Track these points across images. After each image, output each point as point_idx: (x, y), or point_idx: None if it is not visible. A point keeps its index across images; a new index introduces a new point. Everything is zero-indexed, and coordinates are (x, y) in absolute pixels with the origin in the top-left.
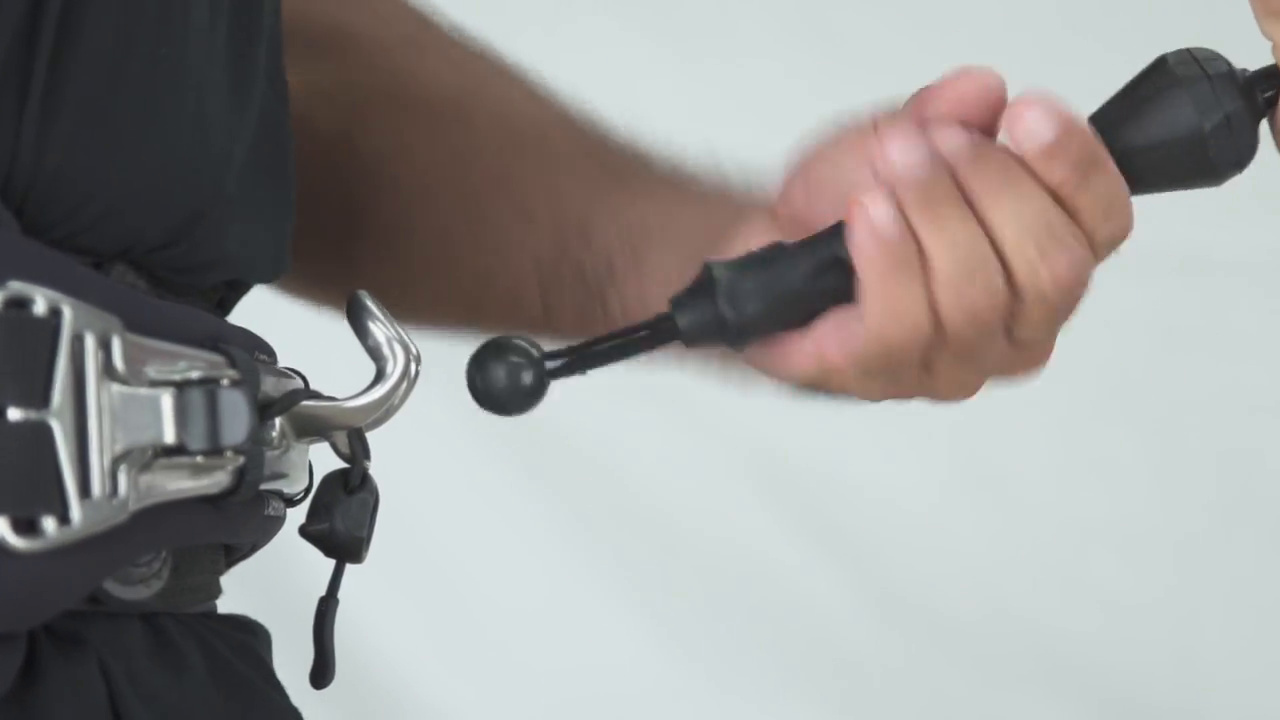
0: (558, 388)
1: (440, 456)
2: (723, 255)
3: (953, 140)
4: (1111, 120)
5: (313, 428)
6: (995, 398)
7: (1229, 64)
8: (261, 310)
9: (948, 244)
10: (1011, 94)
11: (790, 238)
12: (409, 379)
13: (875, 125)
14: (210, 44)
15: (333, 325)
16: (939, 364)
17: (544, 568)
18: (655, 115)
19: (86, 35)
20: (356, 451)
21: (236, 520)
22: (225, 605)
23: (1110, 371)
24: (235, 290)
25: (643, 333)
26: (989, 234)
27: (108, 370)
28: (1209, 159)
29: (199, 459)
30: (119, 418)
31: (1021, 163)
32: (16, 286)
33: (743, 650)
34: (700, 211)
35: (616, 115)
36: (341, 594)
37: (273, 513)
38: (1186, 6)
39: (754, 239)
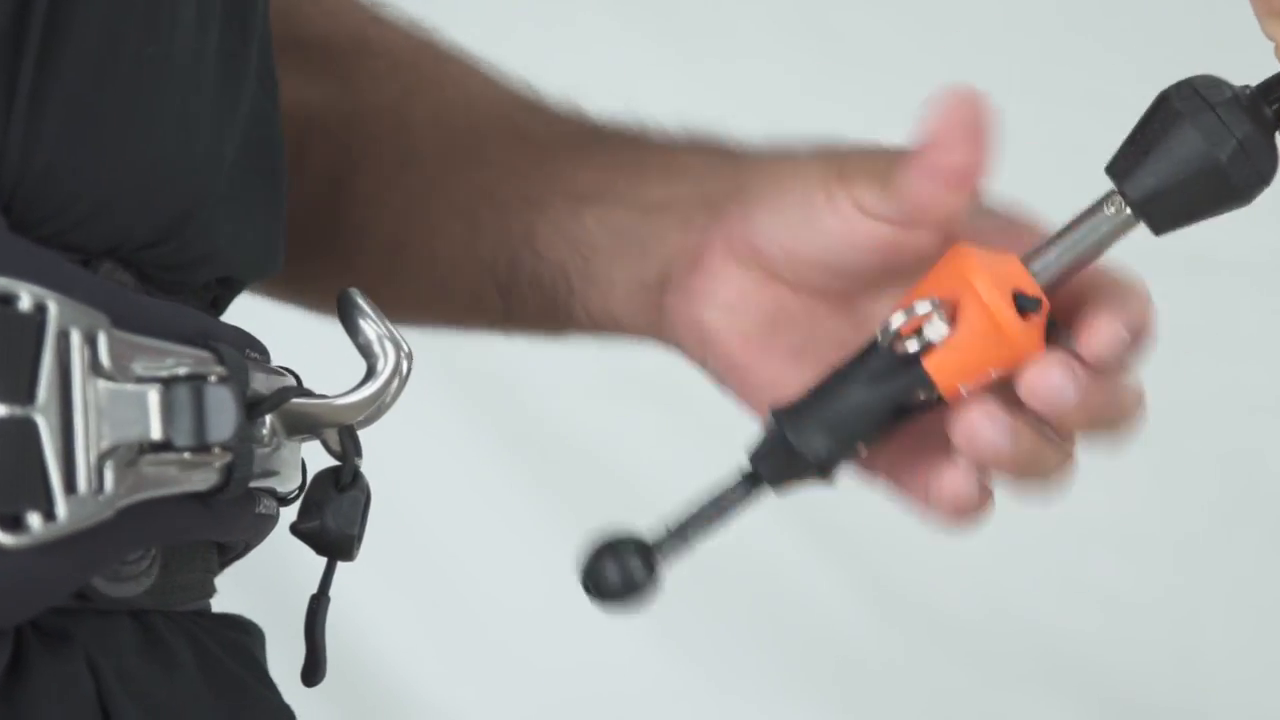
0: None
1: (440, 456)
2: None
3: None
4: (1127, 169)
5: (304, 425)
6: None
7: (1231, 88)
8: (255, 308)
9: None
10: (1012, 94)
11: (748, 269)
12: (400, 376)
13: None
14: (201, 43)
15: (324, 323)
16: None
17: (544, 567)
18: (655, 115)
19: (74, 33)
20: (348, 449)
21: (226, 518)
22: (222, 604)
23: None
24: (229, 288)
25: (734, 494)
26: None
27: (94, 366)
28: (1232, 186)
29: (186, 456)
30: (105, 414)
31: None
32: (1, 282)
33: (743, 649)
34: (638, 202)
35: (616, 117)
36: (342, 593)
37: (264, 511)
38: (1187, 6)
39: (714, 262)
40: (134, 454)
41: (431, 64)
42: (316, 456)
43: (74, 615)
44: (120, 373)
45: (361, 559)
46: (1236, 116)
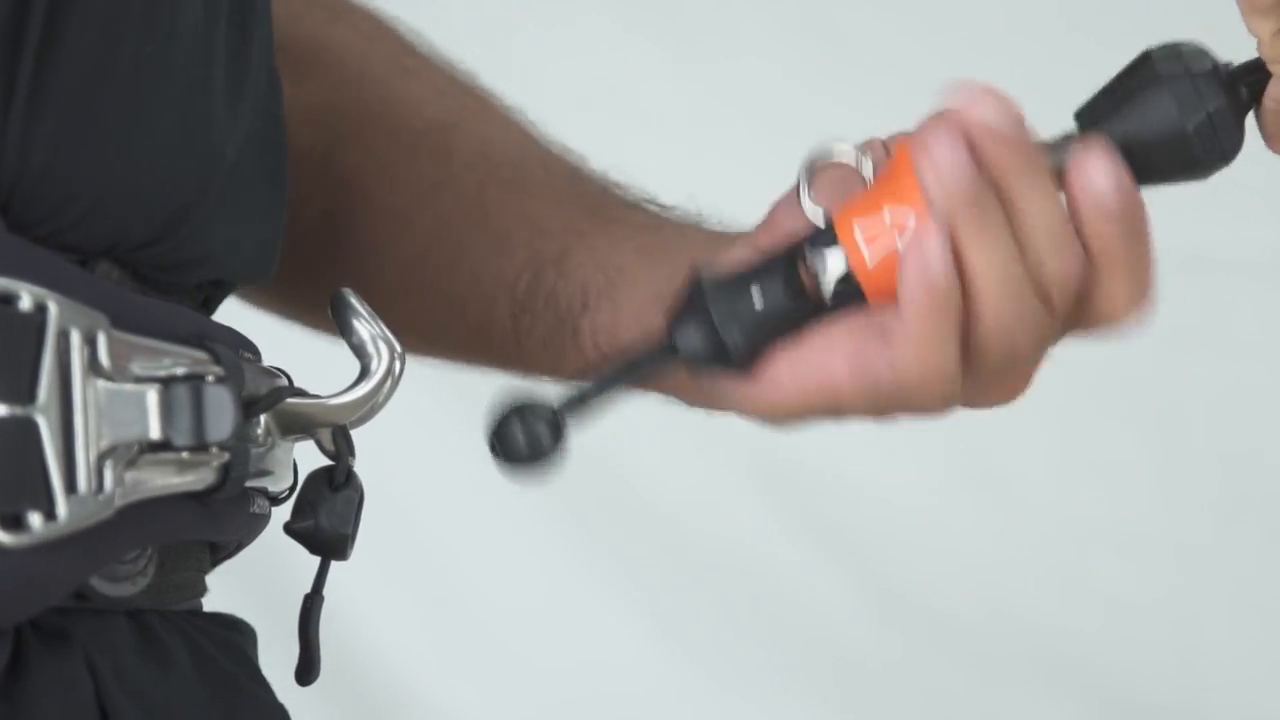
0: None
1: (440, 455)
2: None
3: (995, 142)
4: (1097, 115)
5: (298, 425)
6: None
7: (1214, 60)
8: (246, 309)
9: (997, 267)
10: (1012, 94)
11: None
12: (393, 376)
13: (897, 140)
14: (205, 43)
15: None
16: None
17: (544, 566)
18: (655, 115)
19: (72, 32)
20: (341, 449)
21: (222, 517)
22: (217, 603)
23: (1111, 370)
24: (220, 290)
25: (648, 362)
26: (1020, 244)
27: (93, 366)
28: (1193, 156)
29: (184, 455)
30: (104, 414)
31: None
32: (2, 282)
33: (742, 649)
34: (676, 243)
35: (617, 117)
36: (342, 592)
37: (258, 510)
38: (1187, 6)
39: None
40: (133, 453)
41: (476, 101)
42: (309, 456)
43: (72, 615)
44: (119, 373)
45: (361, 558)
46: (1212, 89)
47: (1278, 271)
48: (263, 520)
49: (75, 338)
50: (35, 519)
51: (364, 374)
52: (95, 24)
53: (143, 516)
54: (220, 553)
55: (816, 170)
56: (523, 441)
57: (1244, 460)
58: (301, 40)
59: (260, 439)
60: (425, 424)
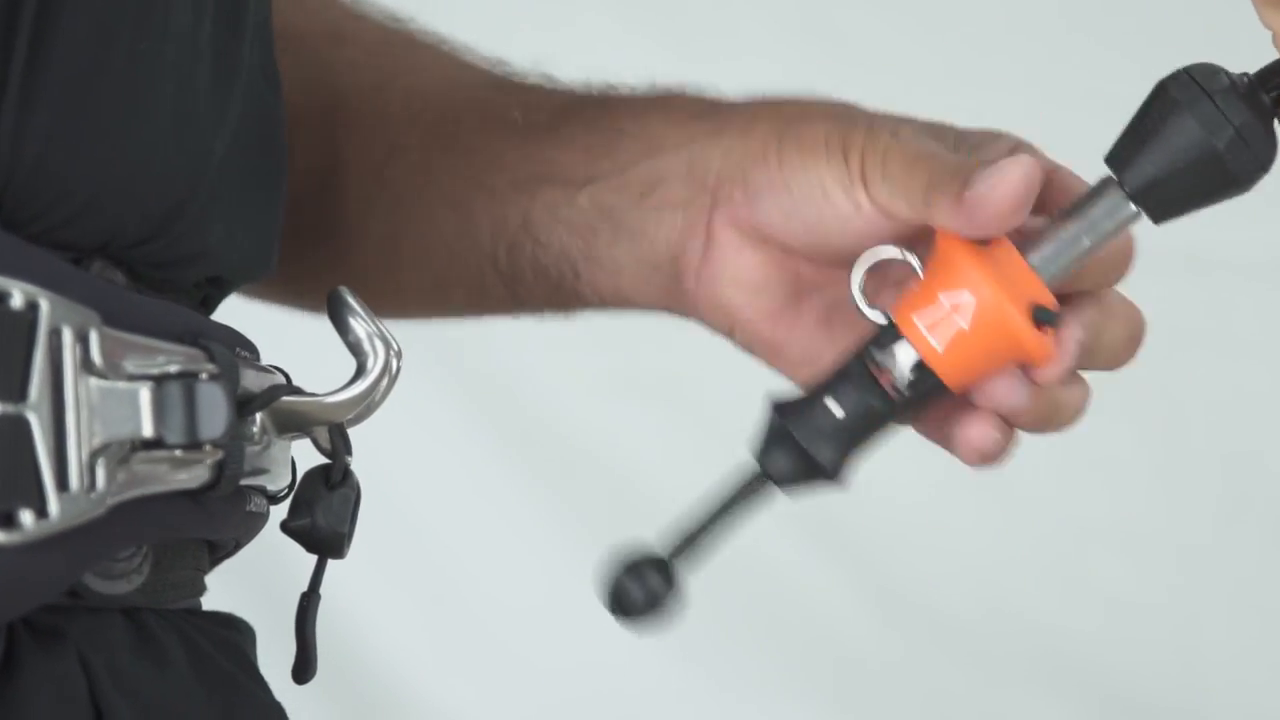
0: (569, 409)
1: (440, 454)
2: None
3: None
4: (1125, 158)
5: (294, 423)
6: None
7: (1229, 76)
8: (245, 307)
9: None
10: (1009, 95)
11: (762, 249)
12: (390, 374)
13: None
14: (193, 41)
15: (313, 322)
16: None
17: (544, 566)
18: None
19: (65, 28)
20: (338, 447)
21: (217, 516)
22: (216, 601)
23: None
24: (219, 288)
25: (743, 495)
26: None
27: (85, 364)
28: (1231, 174)
29: (178, 453)
30: (97, 411)
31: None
32: None
33: (742, 649)
34: (637, 186)
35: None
36: (342, 591)
37: (255, 509)
38: (1187, 6)
39: (727, 246)
40: (126, 451)
41: (403, 51)
42: (306, 455)
43: (66, 613)
44: (112, 370)
45: (361, 557)
46: (1234, 105)
47: (1278, 271)
48: (260, 519)
49: (67, 335)
50: (27, 517)
51: (360, 372)
52: (88, 19)
53: (136, 514)
54: (219, 551)
55: (864, 276)
56: (640, 597)
57: (1244, 460)
58: None
59: (255, 437)
60: (424, 422)
